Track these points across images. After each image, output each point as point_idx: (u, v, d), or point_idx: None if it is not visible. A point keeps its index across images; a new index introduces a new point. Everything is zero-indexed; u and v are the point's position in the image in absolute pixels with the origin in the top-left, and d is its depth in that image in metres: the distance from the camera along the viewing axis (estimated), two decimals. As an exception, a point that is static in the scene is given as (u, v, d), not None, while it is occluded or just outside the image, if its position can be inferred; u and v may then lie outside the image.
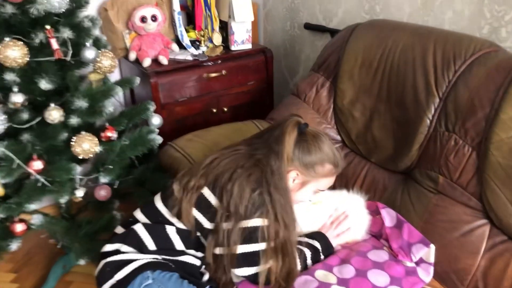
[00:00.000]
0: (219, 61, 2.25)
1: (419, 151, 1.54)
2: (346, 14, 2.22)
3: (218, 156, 1.32)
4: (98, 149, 1.67)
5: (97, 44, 1.78)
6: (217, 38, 2.33)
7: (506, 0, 1.57)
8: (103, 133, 1.70)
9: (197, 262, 1.37)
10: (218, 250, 1.28)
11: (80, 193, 1.67)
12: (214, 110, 2.29)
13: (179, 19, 2.28)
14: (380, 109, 1.67)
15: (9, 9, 1.52)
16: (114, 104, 1.99)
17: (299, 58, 2.60)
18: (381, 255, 1.43)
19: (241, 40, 2.31)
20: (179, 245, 1.32)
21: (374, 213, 1.57)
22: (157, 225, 1.33)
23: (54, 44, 1.53)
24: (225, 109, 2.33)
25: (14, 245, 1.62)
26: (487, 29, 1.65)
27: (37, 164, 1.56)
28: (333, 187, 1.71)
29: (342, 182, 1.76)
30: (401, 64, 1.60)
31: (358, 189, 1.68)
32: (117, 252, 1.31)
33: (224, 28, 2.35)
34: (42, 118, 1.58)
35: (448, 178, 1.43)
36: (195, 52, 2.26)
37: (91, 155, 1.66)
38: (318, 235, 1.44)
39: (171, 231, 1.31)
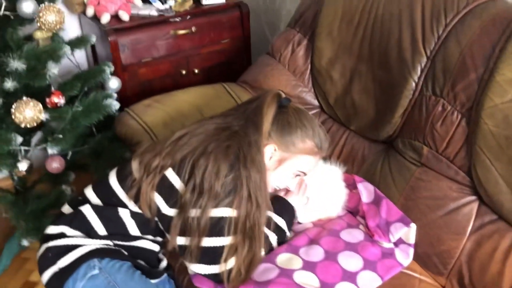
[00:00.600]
0: (188, 17, 2.03)
1: (402, 117, 1.37)
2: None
3: (187, 132, 1.15)
4: (44, 116, 1.49)
5: (41, -3, 1.57)
6: (187, -9, 2.10)
7: None
8: (48, 99, 1.50)
9: (155, 248, 1.21)
10: (180, 241, 1.12)
11: (23, 166, 1.50)
12: (184, 72, 2.09)
13: (143, -31, 2.05)
14: (361, 70, 1.48)
15: None
16: (68, 66, 1.81)
17: (279, 13, 2.37)
18: (355, 235, 1.29)
19: (214, -7, 2.09)
20: (133, 230, 1.17)
21: (351, 187, 1.42)
22: (108, 207, 1.17)
23: (-18, -4, 1.33)
24: (196, 71, 2.12)
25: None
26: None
27: (-29, 134, 1.38)
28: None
29: (319, 151, 1.59)
30: (385, 18, 1.40)
31: (336, 159, 1.53)
32: (61, 235, 1.15)
33: (194, -21, 2.12)
34: (-25, 82, 1.39)
35: (433, 149, 1.26)
36: (161, 6, 2.03)
37: (36, 124, 1.47)
38: (282, 207, 1.28)
39: (124, 214, 1.16)
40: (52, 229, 1.18)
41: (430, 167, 1.28)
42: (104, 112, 1.64)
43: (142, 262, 1.19)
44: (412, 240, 1.25)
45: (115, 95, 1.73)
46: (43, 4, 1.50)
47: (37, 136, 1.77)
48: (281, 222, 1.25)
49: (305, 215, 1.36)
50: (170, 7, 2.04)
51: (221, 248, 1.09)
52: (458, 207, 1.21)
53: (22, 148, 1.51)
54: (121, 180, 1.18)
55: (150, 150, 1.16)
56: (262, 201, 1.13)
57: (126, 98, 1.93)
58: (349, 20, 1.50)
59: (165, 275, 1.24)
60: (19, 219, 1.51)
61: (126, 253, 1.17)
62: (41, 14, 1.49)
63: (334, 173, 1.41)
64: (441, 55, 1.26)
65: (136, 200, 1.14)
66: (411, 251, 1.25)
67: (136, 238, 1.18)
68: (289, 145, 1.21)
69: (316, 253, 1.21)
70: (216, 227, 1.08)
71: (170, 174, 1.11)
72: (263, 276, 1.12)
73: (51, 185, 1.78)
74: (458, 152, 1.22)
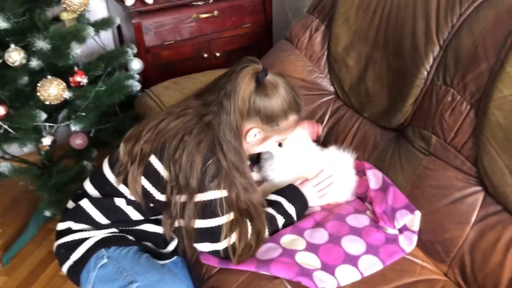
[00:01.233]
0: (211, 1, 2.07)
1: (413, 106, 1.37)
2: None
3: (165, 117, 1.16)
4: (67, 95, 1.56)
5: (67, -22, 1.62)
6: (210, -25, 2.13)
7: None
8: (71, 78, 1.57)
9: (160, 230, 1.24)
10: (176, 223, 1.16)
11: (46, 141, 1.58)
12: (206, 55, 2.13)
13: (168, -48, 2.08)
14: (376, 57, 1.48)
15: None
16: (94, 47, 1.87)
17: (303, -1, 2.37)
18: (361, 220, 1.31)
19: (237, -23, 2.11)
20: (134, 215, 1.21)
21: (361, 173, 1.44)
22: (105, 198, 1.21)
23: (11, -22, 1.39)
24: (218, 54, 2.16)
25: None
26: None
27: (-1, 110, 1.46)
28: (323, 144, 1.58)
29: (332, 137, 1.61)
30: (401, 6, 1.40)
31: (348, 145, 1.55)
32: (69, 231, 1.21)
33: (219, -37, 2.14)
34: (4, 61, 1.46)
35: (441, 139, 1.26)
36: (185, -10, 2.07)
37: (60, 101, 1.54)
38: (295, 196, 1.31)
39: (121, 203, 1.19)
40: (60, 226, 1.23)
41: (437, 156, 1.28)
42: (125, 92, 1.70)
43: (149, 244, 1.23)
44: (416, 227, 1.27)
45: (137, 76, 1.78)
46: (67, -14, 1.55)
47: (63, 113, 1.85)
48: (291, 209, 1.27)
49: (314, 201, 1.38)
50: (193, -10, 2.08)
51: (218, 227, 1.12)
52: (463, 197, 1.22)
53: (47, 124, 1.58)
54: (111, 166, 1.20)
55: (133, 135, 1.17)
56: (247, 183, 1.15)
57: (149, 79, 2.00)
58: (366, 7, 1.50)
59: (174, 257, 1.27)
60: (43, 191, 1.59)
61: (132, 238, 1.21)
62: (65, -4, 1.54)
63: (346, 159, 1.43)
64: (454, 44, 1.25)
65: (126, 184, 1.16)
66: (415, 238, 1.26)
67: (139, 222, 1.22)
68: (273, 126, 1.19)
69: (321, 236, 1.24)
70: (208, 209, 1.10)
71: (154, 160, 1.12)
72: (265, 255, 1.16)
73: (75, 160, 1.86)
74: (466, 143, 1.21)
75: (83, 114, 1.63)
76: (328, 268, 1.15)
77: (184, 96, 1.63)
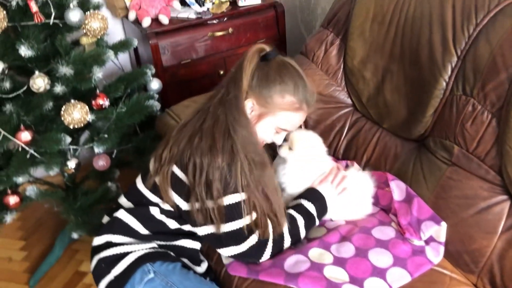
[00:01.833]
0: (225, 19, 2.10)
1: (433, 117, 1.37)
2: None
3: (188, 121, 1.19)
4: (90, 117, 1.59)
5: (86, 4, 1.66)
6: (223, -7, 2.16)
7: None
8: (94, 101, 1.60)
9: (197, 245, 1.27)
10: (201, 231, 1.18)
11: (72, 164, 1.61)
12: (222, 72, 2.16)
13: (181, -27, 2.13)
14: (393, 69, 1.49)
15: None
16: (112, 69, 1.91)
17: (315, 12, 2.40)
18: (387, 232, 1.31)
19: (249, -6, 2.14)
20: (171, 223, 1.22)
21: (384, 185, 1.43)
22: (139, 207, 1.23)
23: (33, 7, 1.43)
24: (233, 71, 2.18)
25: (9, 218, 1.60)
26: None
27: (25, 135, 1.49)
28: (343, 156, 1.59)
29: (352, 149, 1.61)
30: (416, 18, 1.40)
31: (369, 157, 1.56)
32: (109, 244, 1.21)
33: (231, -19, 2.18)
34: (28, 87, 1.50)
35: (463, 148, 1.27)
36: (199, 9, 2.11)
37: (83, 124, 1.58)
38: (314, 196, 1.30)
39: (155, 212, 1.21)
40: (98, 240, 1.23)
41: (460, 166, 1.28)
42: (146, 113, 1.73)
43: (187, 261, 1.24)
44: (442, 238, 1.26)
45: (157, 96, 1.81)
46: (88, 12, 1.59)
47: (85, 135, 1.88)
48: (311, 207, 1.27)
49: (338, 214, 1.39)
50: (208, 9, 2.11)
51: (241, 229, 1.13)
52: (489, 206, 1.21)
53: (71, 147, 1.61)
54: (144, 181, 1.23)
55: (160, 150, 1.19)
56: (261, 159, 1.15)
57: (167, 98, 2.03)
58: (381, 20, 1.51)
59: (207, 279, 1.27)
60: (69, 213, 1.62)
61: (173, 254, 1.22)
62: (86, 22, 1.57)
63: (361, 174, 1.44)
64: (472, 54, 1.26)
65: (155, 191, 1.19)
66: (442, 249, 1.26)
67: (177, 236, 1.23)
68: (267, 99, 1.16)
69: (347, 250, 1.24)
70: (231, 213, 1.12)
71: (176, 170, 1.14)
72: (294, 268, 1.17)
73: (98, 181, 1.89)
74: (489, 152, 1.21)
75: (106, 136, 1.66)
76: (357, 281, 1.15)
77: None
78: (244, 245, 1.16)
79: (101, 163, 1.74)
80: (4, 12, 1.39)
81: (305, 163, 1.35)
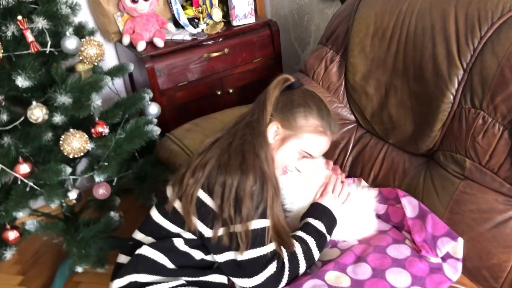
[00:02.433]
0: (220, 39, 2.08)
1: (442, 130, 1.36)
2: (357, -23, 2.00)
3: (204, 151, 1.17)
4: (90, 146, 1.55)
5: (81, 31, 1.64)
6: (217, 14, 2.15)
7: None
8: (93, 129, 1.56)
9: (224, 279, 1.22)
10: (222, 258, 1.14)
11: (73, 195, 1.56)
12: (219, 93, 2.14)
13: (174, -4, 2.11)
14: (397, 84, 1.48)
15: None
16: (108, 94, 1.88)
17: (308, 29, 2.40)
18: (402, 251, 1.28)
19: (243, 14, 2.13)
20: (196, 254, 1.18)
21: (394, 201, 1.41)
22: (163, 240, 1.18)
23: (29, 36, 1.40)
24: (231, 91, 2.17)
25: (9, 254, 1.54)
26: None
27: (24, 168, 1.45)
28: (349, 174, 1.57)
29: (358, 166, 1.59)
30: (418, 32, 1.40)
31: (376, 173, 1.53)
32: (133, 285, 1.15)
33: (224, 2, 2.17)
34: (25, 118, 1.46)
35: (476, 162, 1.25)
36: (194, 31, 2.09)
37: (83, 153, 1.54)
38: (319, 211, 1.27)
39: (179, 243, 1.17)
40: (118, 283, 1.16)
41: (473, 179, 1.26)
42: (146, 138, 1.69)
43: None
44: (460, 254, 1.24)
45: (155, 121, 1.78)
46: (84, 39, 1.57)
47: (82, 163, 1.84)
48: (320, 225, 1.24)
49: (346, 234, 1.36)
50: (203, 30, 2.10)
51: (263, 256, 1.11)
52: (505, 220, 1.19)
53: (71, 177, 1.57)
54: (162, 211, 1.20)
55: (179, 178, 1.17)
56: (277, 185, 1.16)
57: (165, 121, 2.00)
58: (381, 35, 1.50)
59: None
60: (71, 246, 1.57)
61: None
62: (82, 49, 1.55)
63: (361, 191, 1.41)
64: (478, 67, 1.25)
65: (177, 222, 1.16)
66: (460, 265, 1.23)
67: (205, 271, 1.19)
68: (291, 121, 1.20)
69: (364, 271, 1.21)
70: (257, 238, 1.10)
71: (202, 194, 1.12)
72: (312, 293, 1.13)
73: (98, 210, 1.84)
74: (502, 164, 1.20)
75: (106, 163, 1.62)
76: (376, 303, 1.12)
77: (206, 137, 1.64)
78: (264, 274, 1.12)
79: (101, 191, 1.69)
80: (-1, 43, 1.36)
81: (302, 179, 1.32)
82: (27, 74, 1.39)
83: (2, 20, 1.40)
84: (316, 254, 1.22)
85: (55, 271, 1.97)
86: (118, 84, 2.26)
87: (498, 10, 1.23)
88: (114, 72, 1.75)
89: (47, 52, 1.48)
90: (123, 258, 1.24)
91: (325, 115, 1.22)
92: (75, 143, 1.50)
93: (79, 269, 1.57)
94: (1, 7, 1.36)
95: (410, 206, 1.36)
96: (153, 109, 1.80)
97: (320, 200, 1.30)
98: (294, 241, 1.18)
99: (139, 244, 1.20)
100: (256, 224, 1.10)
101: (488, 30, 1.25)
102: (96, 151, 1.67)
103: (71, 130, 1.51)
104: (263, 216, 1.10)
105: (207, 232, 1.13)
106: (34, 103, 1.44)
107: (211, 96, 2.13)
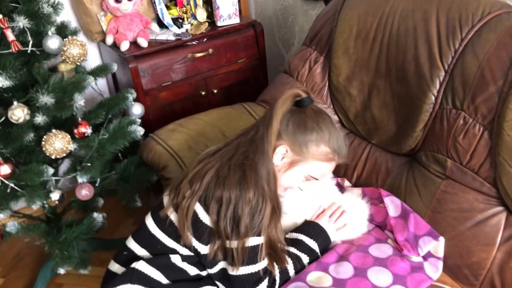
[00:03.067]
0: (205, 39, 2.07)
1: (424, 131, 1.38)
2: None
3: (203, 160, 1.16)
4: (72, 147, 1.54)
5: (64, 31, 1.62)
6: (201, 14, 2.14)
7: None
8: (76, 129, 1.54)
9: None
10: (215, 270, 1.16)
11: (55, 196, 1.54)
12: (203, 93, 2.13)
13: (158, -5, 2.10)
14: (379, 85, 1.50)
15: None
16: (90, 94, 1.86)
17: (293, 30, 2.41)
18: (384, 250, 1.30)
19: (228, 14, 2.13)
20: (192, 270, 1.17)
21: (377, 201, 1.43)
22: (160, 257, 1.16)
23: (10, 35, 1.38)
24: (215, 91, 2.16)
25: (-10, 256, 1.51)
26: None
27: (5, 169, 1.43)
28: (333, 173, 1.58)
29: (342, 166, 1.60)
30: (401, 34, 1.42)
31: (359, 173, 1.55)
32: None
33: (209, 2, 2.16)
34: (6, 118, 1.43)
35: (457, 162, 1.27)
36: (178, 31, 2.08)
37: (65, 154, 1.52)
38: (315, 231, 1.29)
39: (176, 260, 1.16)
40: None
41: (455, 179, 1.28)
42: (129, 138, 1.67)
43: None
44: (441, 253, 1.26)
45: (139, 121, 1.76)
46: (66, 39, 1.55)
47: (65, 164, 1.82)
48: (314, 245, 1.25)
49: (333, 234, 1.37)
50: (187, 30, 2.09)
51: (256, 273, 1.11)
52: (486, 219, 1.22)
53: (53, 178, 1.55)
54: (157, 221, 1.18)
55: (175, 187, 1.16)
56: (278, 204, 1.15)
57: (149, 122, 1.98)
58: (364, 37, 1.52)
59: None
60: (54, 247, 1.55)
61: None
62: (65, 48, 1.53)
63: (352, 197, 1.43)
64: (459, 68, 1.27)
65: (173, 237, 1.15)
66: (440, 264, 1.25)
67: (198, 283, 1.18)
68: (302, 147, 1.15)
69: (346, 270, 1.22)
70: (251, 255, 1.09)
71: (198, 208, 1.11)
72: (294, 295, 1.14)
73: (80, 211, 1.82)
74: (483, 164, 1.22)
75: (89, 164, 1.60)
76: (358, 302, 1.13)
77: (191, 138, 1.64)
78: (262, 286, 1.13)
79: (84, 192, 1.67)
80: (-21, 42, 1.34)
81: (303, 196, 1.33)
82: (8, 73, 1.37)
83: (-18, 18, 1.37)
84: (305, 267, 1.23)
85: (36, 273, 1.94)
86: (101, 84, 2.23)
87: (479, 13, 1.26)
88: (97, 72, 1.74)
89: (29, 51, 1.45)
90: (116, 267, 1.22)
91: (335, 140, 1.18)
92: (58, 143, 1.48)
93: (62, 270, 1.55)
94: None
95: (393, 205, 1.37)
96: (137, 109, 1.79)
97: (317, 220, 1.31)
98: (288, 257, 1.19)
99: (135, 256, 1.19)
100: (252, 241, 1.09)
101: (469, 32, 1.27)
102: (79, 151, 1.65)
103: (54, 130, 1.49)
104: (259, 234, 1.10)
105: (203, 249, 1.13)
106: (15, 103, 1.42)
107: (195, 96, 2.12)
